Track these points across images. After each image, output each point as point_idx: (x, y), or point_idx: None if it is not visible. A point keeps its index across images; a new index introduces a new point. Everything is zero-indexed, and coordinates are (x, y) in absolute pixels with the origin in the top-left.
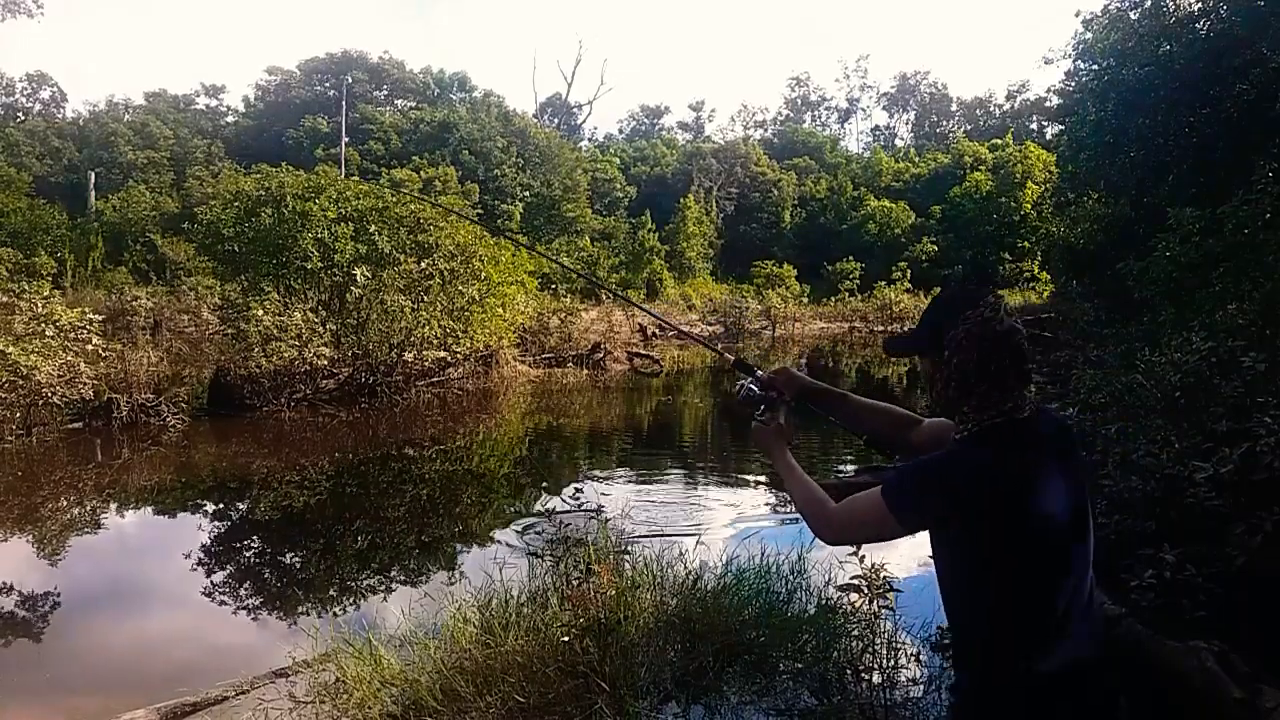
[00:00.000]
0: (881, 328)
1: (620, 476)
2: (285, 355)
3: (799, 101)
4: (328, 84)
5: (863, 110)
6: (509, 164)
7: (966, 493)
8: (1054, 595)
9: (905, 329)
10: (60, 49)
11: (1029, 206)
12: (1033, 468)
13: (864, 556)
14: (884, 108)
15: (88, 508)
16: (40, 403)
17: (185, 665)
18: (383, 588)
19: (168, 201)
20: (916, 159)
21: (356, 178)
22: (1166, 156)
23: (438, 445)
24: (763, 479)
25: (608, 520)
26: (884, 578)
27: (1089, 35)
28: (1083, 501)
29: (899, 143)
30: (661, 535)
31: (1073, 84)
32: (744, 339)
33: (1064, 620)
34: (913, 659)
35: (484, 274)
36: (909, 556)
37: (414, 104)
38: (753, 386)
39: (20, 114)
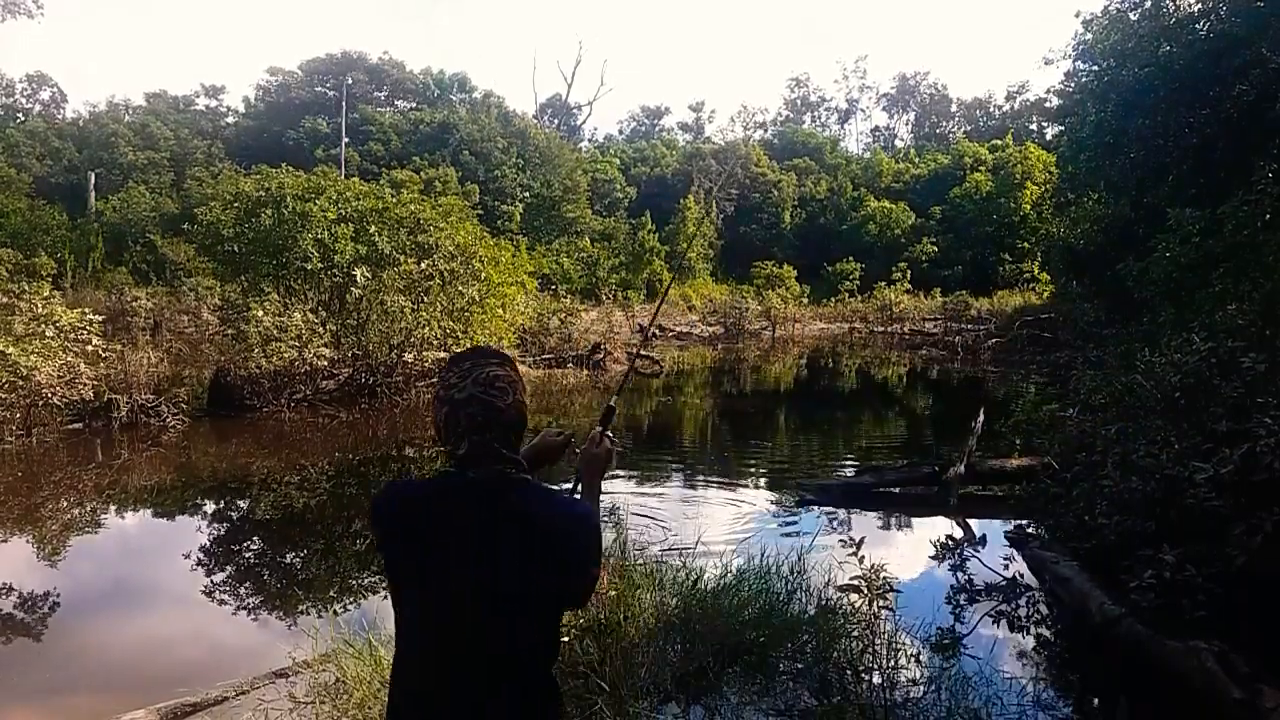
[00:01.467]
0: (881, 328)
1: (620, 476)
2: (285, 356)
3: (799, 102)
4: (328, 85)
5: (862, 111)
6: (509, 165)
7: (377, 524)
8: (434, 652)
9: (905, 330)
10: (60, 49)
11: (1029, 207)
12: (439, 520)
13: (863, 557)
14: (884, 109)
15: (88, 508)
16: (40, 403)
17: (185, 665)
18: (383, 587)
19: (168, 202)
20: (916, 160)
21: (357, 178)
22: (1166, 157)
23: (438, 446)
24: (762, 478)
25: (607, 521)
26: (884, 578)
27: (1089, 36)
28: (506, 591)
29: (899, 143)
30: (661, 534)
31: (1072, 85)
32: (744, 340)
33: (429, 702)
34: (913, 659)
35: (484, 275)
36: (909, 557)
37: (414, 105)
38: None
39: (20, 115)
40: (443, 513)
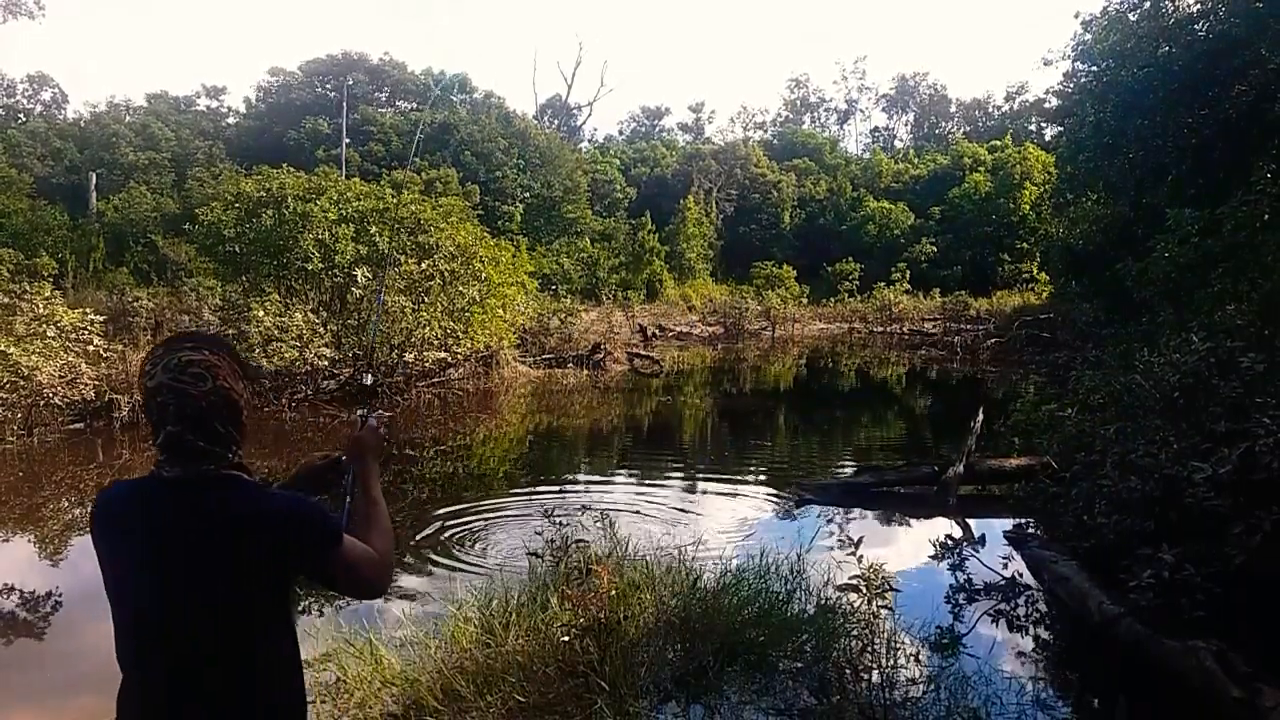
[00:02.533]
0: (881, 328)
1: (620, 476)
2: (286, 356)
3: (798, 103)
4: (329, 85)
5: (862, 111)
6: (510, 165)
7: (91, 521)
8: (133, 658)
9: (904, 330)
10: (61, 49)
11: (1028, 207)
12: (133, 521)
13: (862, 556)
14: (883, 109)
15: (89, 508)
16: (42, 403)
17: None
18: None
19: (169, 202)
20: (915, 160)
21: (357, 179)
22: (1165, 157)
23: (438, 445)
24: (762, 478)
25: (607, 520)
26: (883, 578)
27: (1088, 37)
28: (196, 595)
29: (898, 144)
30: (661, 533)
31: (1072, 85)
32: (744, 339)
33: (148, 701)
34: (912, 658)
35: (484, 275)
36: (908, 556)
37: (415, 105)
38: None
39: (21, 115)
40: (137, 513)
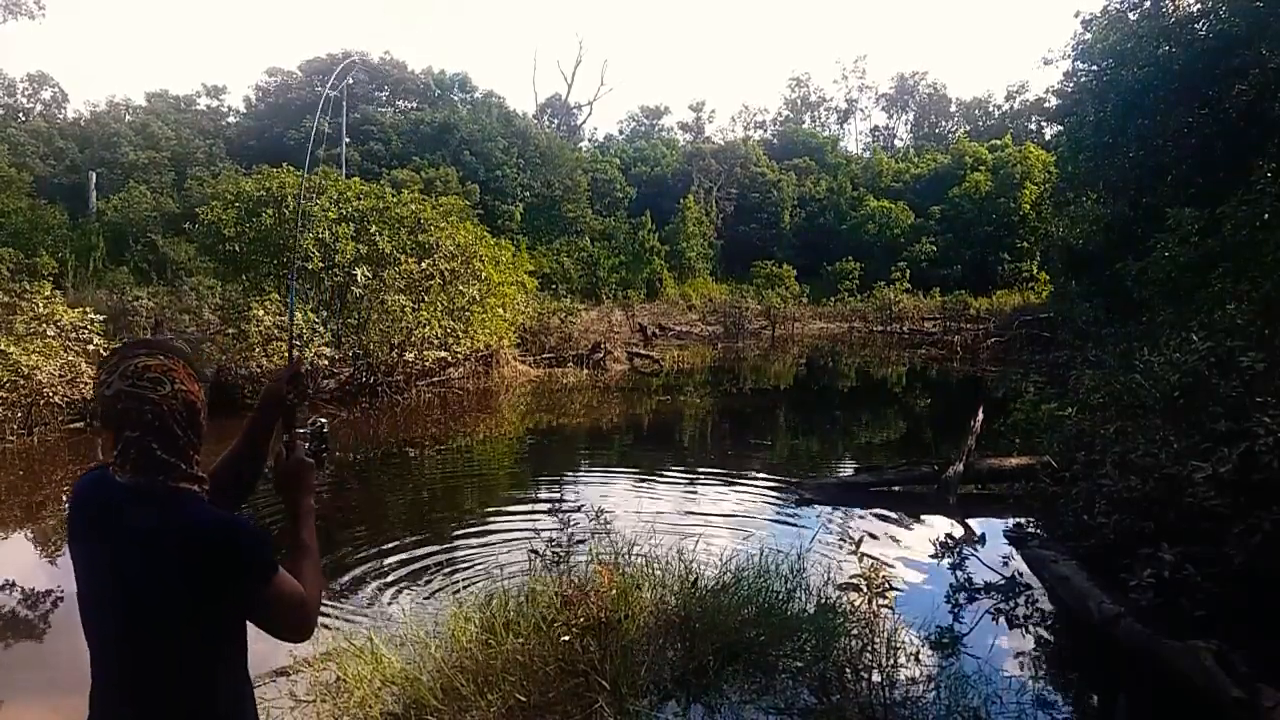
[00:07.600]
0: (881, 328)
1: (620, 475)
2: (286, 355)
3: (799, 102)
4: (329, 84)
5: (862, 111)
6: (510, 165)
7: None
8: (93, 655)
9: (904, 329)
10: (61, 49)
11: (1028, 207)
12: (92, 524)
13: (862, 556)
14: (883, 108)
15: None
16: (42, 402)
17: None
18: (384, 587)
19: (169, 202)
20: (916, 159)
21: (357, 178)
22: (1165, 157)
23: (438, 445)
24: (762, 477)
25: (608, 520)
26: (883, 577)
27: (1088, 36)
28: (142, 603)
29: (898, 143)
30: (660, 532)
31: (1072, 85)
32: (744, 339)
33: (103, 692)
34: (912, 658)
35: (484, 274)
36: (908, 555)
37: (415, 105)
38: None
39: (21, 114)
40: (94, 514)
